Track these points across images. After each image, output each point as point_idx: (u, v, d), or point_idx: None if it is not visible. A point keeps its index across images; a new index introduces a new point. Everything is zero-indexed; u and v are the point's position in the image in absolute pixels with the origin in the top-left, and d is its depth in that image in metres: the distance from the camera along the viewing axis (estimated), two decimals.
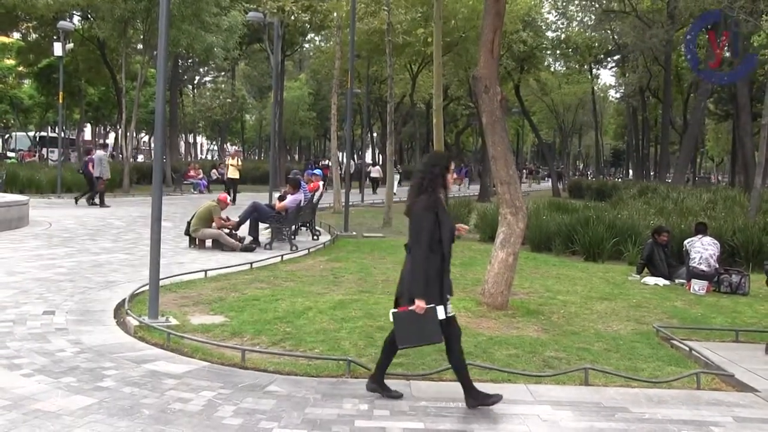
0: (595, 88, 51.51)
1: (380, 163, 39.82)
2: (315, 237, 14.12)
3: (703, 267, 9.84)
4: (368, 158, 52.97)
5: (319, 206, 15.66)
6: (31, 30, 35.94)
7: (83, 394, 4.72)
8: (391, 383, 5.17)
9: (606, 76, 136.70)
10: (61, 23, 24.26)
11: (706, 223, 11.47)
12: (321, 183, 15.57)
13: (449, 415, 4.61)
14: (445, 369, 5.39)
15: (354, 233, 15.43)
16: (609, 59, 46.78)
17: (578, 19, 38.31)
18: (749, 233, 12.55)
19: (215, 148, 70.09)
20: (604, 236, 12.82)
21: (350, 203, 16.81)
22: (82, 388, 4.83)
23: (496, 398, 4.67)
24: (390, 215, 17.75)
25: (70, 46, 30.67)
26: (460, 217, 15.80)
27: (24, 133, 51.79)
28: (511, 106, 38.66)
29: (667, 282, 10.30)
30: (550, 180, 46.42)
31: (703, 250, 10.00)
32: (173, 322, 6.66)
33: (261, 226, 13.03)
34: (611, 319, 7.64)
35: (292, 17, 22.40)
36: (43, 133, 51.53)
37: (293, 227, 13.25)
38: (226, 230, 12.18)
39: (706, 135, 55.55)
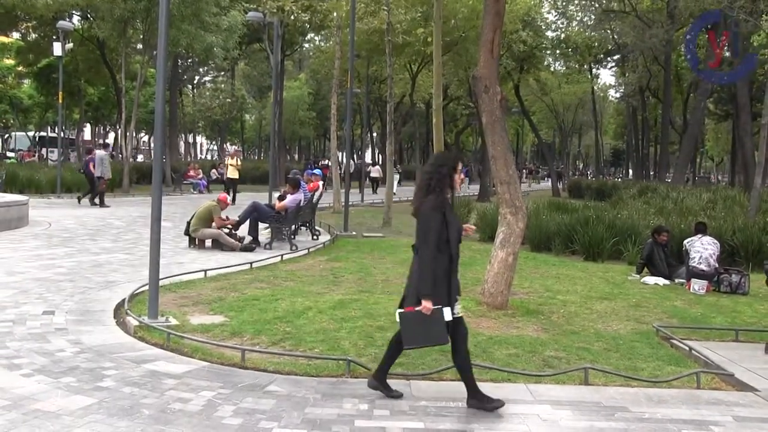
0: (595, 87, 51.53)
1: (380, 162, 39.81)
2: (315, 237, 14.12)
3: (702, 267, 9.84)
4: (368, 158, 53.00)
5: (318, 206, 15.67)
6: (30, 30, 35.94)
7: (83, 394, 4.72)
8: (391, 383, 5.17)
9: (606, 75, 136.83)
10: (61, 23, 24.26)
11: (706, 222, 11.47)
12: (321, 183, 15.58)
13: (449, 415, 4.61)
14: (445, 369, 5.40)
15: (354, 233, 15.43)
16: (609, 59, 46.80)
17: (578, 18, 38.32)
18: (749, 233, 12.55)
19: (215, 148, 70.12)
20: (603, 236, 12.82)
21: (350, 203, 16.81)
22: (82, 388, 4.83)
23: (497, 404, 4.66)
24: (390, 215, 17.75)
25: (69, 46, 30.66)
26: (460, 217, 15.76)
27: (23, 133, 51.81)
28: (510, 105, 38.66)
29: (666, 282, 10.30)
30: (549, 180, 46.43)
31: (702, 249, 10.00)
32: (173, 322, 6.66)
33: (261, 225, 13.03)
34: (611, 319, 7.64)
35: (292, 17, 22.40)
36: (43, 133, 51.56)
37: (293, 227, 13.25)
38: (226, 230, 12.18)
39: (706, 135, 55.57)
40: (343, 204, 16.70)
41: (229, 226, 12.34)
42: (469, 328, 6.59)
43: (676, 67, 37.90)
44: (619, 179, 58.43)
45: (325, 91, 43.14)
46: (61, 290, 8.00)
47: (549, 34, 39.03)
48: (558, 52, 42.16)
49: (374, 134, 59.06)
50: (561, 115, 51.96)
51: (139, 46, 29.29)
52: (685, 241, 10.51)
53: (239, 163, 23.98)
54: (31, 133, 52.25)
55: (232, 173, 23.13)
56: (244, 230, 12.74)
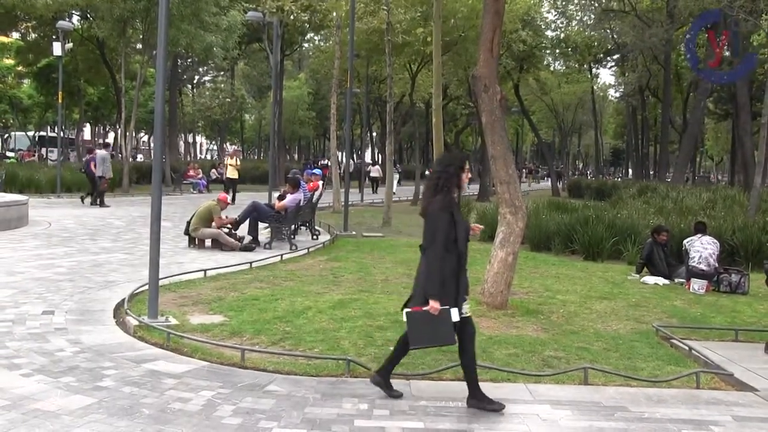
0: (595, 87, 51.53)
1: (380, 162, 39.81)
2: (314, 236, 14.11)
3: (702, 266, 9.84)
4: (368, 158, 53.00)
5: (318, 206, 15.67)
6: (30, 30, 35.95)
7: (83, 393, 4.72)
8: (391, 382, 5.17)
9: (605, 75, 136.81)
10: (60, 23, 24.27)
11: (706, 222, 11.47)
12: (320, 182, 15.57)
13: (449, 415, 4.61)
14: (444, 369, 5.40)
15: (353, 233, 15.42)
16: (608, 58, 46.81)
17: (578, 18, 38.36)
18: (749, 232, 12.55)
19: (215, 147, 70.10)
20: (603, 236, 12.82)
21: (350, 203, 16.81)
22: (82, 388, 4.83)
23: (497, 406, 4.66)
24: (389, 215, 17.75)
25: (69, 45, 30.61)
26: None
27: (23, 133, 51.79)
28: (510, 105, 38.67)
29: (666, 281, 10.30)
30: (549, 179, 46.43)
31: (702, 249, 10.00)
32: (173, 321, 6.66)
33: (260, 225, 13.02)
34: (611, 319, 7.64)
35: (292, 17, 22.40)
36: (43, 133, 51.54)
37: (293, 227, 13.25)
38: (226, 230, 12.18)
39: (706, 134, 55.57)
40: (343, 204, 16.70)
41: (229, 226, 12.33)
42: None
43: (676, 66, 37.90)
44: (619, 179, 58.48)
45: (325, 90, 43.12)
46: (61, 290, 8.00)
47: (549, 33, 39.09)
48: (558, 51, 42.19)
49: (374, 134, 59.06)
50: (561, 115, 51.97)
51: (139, 45, 29.30)
52: (684, 241, 10.51)
53: (238, 163, 24.00)
54: (30, 133, 52.24)
55: (232, 173, 23.15)
56: (243, 230, 12.73)
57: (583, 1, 35.69)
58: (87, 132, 60.96)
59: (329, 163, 29.90)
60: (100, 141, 49.95)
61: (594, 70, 50.30)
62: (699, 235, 10.30)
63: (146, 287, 7.17)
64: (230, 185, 22.67)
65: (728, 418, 4.75)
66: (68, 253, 10.85)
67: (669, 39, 29.86)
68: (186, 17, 24.32)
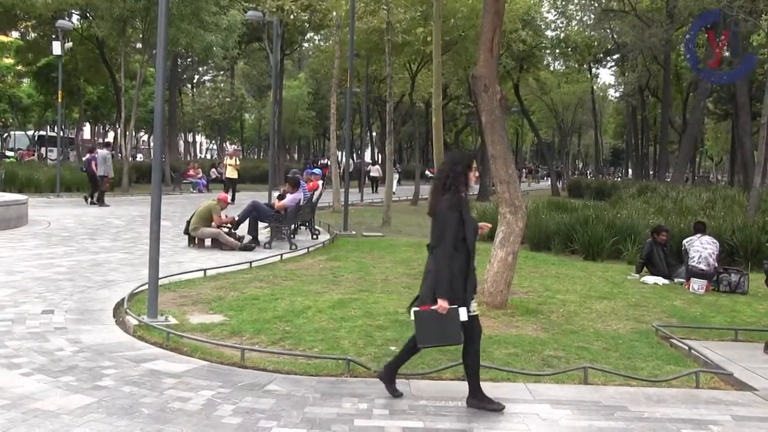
0: (595, 87, 51.53)
1: (380, 162, 39.82)
2: (314, 236, 14.11)
3: (702, 266, 9.84)
4: (367, 157, 52.98)
5: (318, 205, 15.66)
6: (29, 29, 35.95)
7: (82, 393, 4.72)
8: None
9: (605, 75, 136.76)
10: (60, 22, 24.25)
11: (705, 222, 11.48)
12: (320, 182, 15.57)
13: (448, 414, 4.61)
14: (444, 368, 5.40)
15: (353, 232, 15.42)
16: (608, 58, 46.83)
17: (577, 18, 38.37)
18: (748, 232, 12.56)
19: (214, 147, 70.09)
20: (603, 235, 12.83)
21: (349, 202, 16.81)
22: (81, 387, 4.83)
23: (497, 406, 4.65)
24: (389, 214, 17.75)
25: (69, 45, 30.60)
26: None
27: (23, 132, 51.78)
28: (510, 105, 38.67)
29: (666, 281, 10.30)
30: (549, 179, 46.43)
31: (702, 249, 10.00)
32: (172, 321, 6.66)
33: (260, 225, 13.02)
34: (610, 318, 7.64)
35: (292, 16, 22.39)
36: (42, 132, 51.54)
37: (292, 226, 13.25)
38: (225, 229, 12.18)
39: (706, 134, 55.59)
40: (343, 203, 16.70)
41: (229, 225, 12.33)
42: None
43: (676, 66, 37.92)
44: (619, 178, 58.51)
45: (325, 90, 43.12)
46: (61, 289, 8.00)
47: (548, 33, 39.10)
48: (557, 51, 42.19)
49: (374, 133, 59.06)
50: (560, 115, 51.97)
51: (139, 45, 29.29)
52: (684, 241, 10.51)
53: (238, 162, 23.97)
54: (30, 132, 52.23)
55: (231, 173, 23.12)
56: (243, 229, 12.73)
57: (583, 1, 35.70)
58: (87, 131, 60.96)
59: (329, 163, 29.90)
60: (100, 140, 49.96)
61: (594, 70, 50.32)
62: (698, 235, 10.30)
63: (146, 287, 7.17)
64: (230, 185, 22.65)
65: (728, 417, 4.76)
66: (68, 252, 10.85)
67: (669, 39, 29.87)
68: (186, 16, 24.32)
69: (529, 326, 7.05)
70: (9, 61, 43.24)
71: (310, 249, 12.40)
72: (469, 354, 4.71)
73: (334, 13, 22.40)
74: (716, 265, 9.97)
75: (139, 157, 54.14)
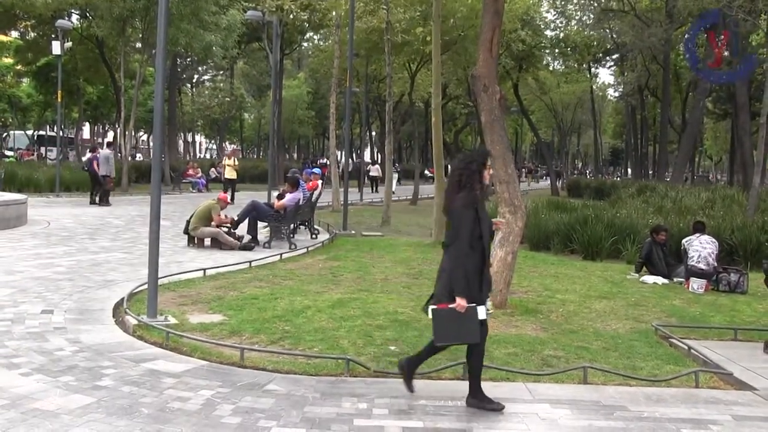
0: (594, 87, 51.55)
1: (379, 161, 39.82)
2: (314, 236, 14.11)
3: (701, 265, 9.84)
4: (367, 157, 52.98)
5: (317, 205, 15.66)
6: (29, 29, 35.90)
7: (82, 393, 4.72)
8: (390, 382, 5.17)
9: (605, 75, 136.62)
10: (60, 22, 24.23)
11: (705, 221, 11.49)
12: (319, 182, 15.58)
13: (448, 414, 4.61)
14: (444, 368, 5.40)
15: (353, 232, 15.42)
16: (608, 58, 46.85)
17: (577, 18, 38.38)
18: (748, 232, 12.57)
19: (214, 146, 70.08)
20: (602, 235, 12.83)
21: (349, 202, 16.81)
22: (81, 387, 4.83)
23: (497, 406, 4.65)
24: (389, 214, 17.75)
25: (68, 44, 30.61)
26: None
27: (22, 132, 51.77)
28: (509, 105, 38.67)
29: (665, 280, 10.31)
30: (548, 179, 46.44)
31: (701, 248, 10.00)
32: (172, 321, 6.65)
33: (260, 224, 13.02)
34: (610, 318, 7.64)
35: (291, 16, 22.38)
36: (42, 132, 51.51)
37: (292, 226, 13.25)
38: (225, 229, 12.18)
39: (705, 134, 55.60)
40: (342, 203, 16.70)
41: (228, 225, 12.33)
42: None
43: (675, 66, 37.93)
44: (618, 178, 58.52)
45: (324, 90, 43.10)
46: (60, 289, 8.00)
47: (548, 33, 39.13)
48: (557, 51, 42.21)
49: (373, 133, 59.04)
50: (560, 114, 51.99)
51: (138, 44, 29.30)
52: (683, 240, 10.52)
53: (237, 163, 23.93)
54: (29, 132, 52.21)
55: (230, 173, 23.07)
56: (243, 229, 12.73)
57: (583, 1, 35.70)
58: (86, 131, 60.95)
59: (328, 162, 29.90)
60: (100, 140, 49.95)
61: (593, 69, 50.35)
62: (698, 235, 10.31)
63: (145, 286, 7.17)
64: (229, 185, 22.62)
65: (727, 417, 4.76)
66: (67, 252, 10.84)
67: (668, 39, 29.87)
68: (185, 16, 24.31)
69: (528, 326, 7.05)
70: (8, 60, 43.18)
71: (310, 248, 12.40)
72: (474, 354, 4.71)
73: (334, 13, 22.40)
74: (715, 264, 9.97)
75: (139, 156, 54.09)
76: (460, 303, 4.45)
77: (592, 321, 7.46)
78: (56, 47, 24.24)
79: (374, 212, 20.73)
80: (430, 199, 19.10)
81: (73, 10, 30.58)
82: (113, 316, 6.91)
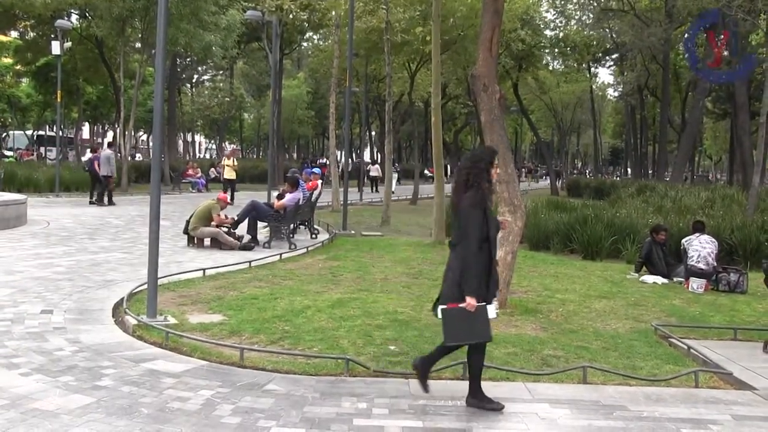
0: (594, 86, 51.57)
1: (379, 161, 39.83)
2: (313, 236, 14.11)
3: (701, 265, 9.84)
4: (366, 157, 52.99)
5: (317, 205, 15.66)
6: (29, 28, 35.90)
7: (81, 393, 4.72)
8: (390, 382, 5.18)
9: (604, 74, 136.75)
10: (59, 22, 24.22)
11: (704, 221, 11.49)
12: (319, 182, 15.58)
13: (448, 414, 4.61)
14: (444, 368, 5.39)
15: (352, 232, 15.42)
16: (607, 58, 46.86)
17: (576, 17, 38.40)
18: (747, 231, 12.57)
19: (214, 146, 70.08)
20: (602, 235, 12.83)
21: (348, 202, 16.81)
22: (81, 387, 4.82)
23: (497, 406, 4.65)
24: (388, 214, 17.75)
25: (68, 44, 30.61)
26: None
27: (22, 132, 51.76)
28: (509, 104, 38.68)
29: (665, 280, 10.31)
30: (548, 178, 46.45)
31: (701, 248, 10.01)
32: (172, 321, 6.65)
33: (259, 224, 13.02)
34: (609, 318, 7.64)
35: (291, 16, 22.38)
36: (41, 132, 51.51)
37: (292, 226, 13.25)
38: (225, 229, 12.18)
39: (705, 133, 55.61)
40: (342, 203, 16.70)
41: (228, 225, 12.33)
42: None
43: (675, 65, 37.93)
44: (618, 178, 58.52)
45: (324, 89, 43.11)
46: (60, 289, 7.99)
47: (547, 32, 39.14)
48: (556, 50, 42.22)
49: (373, 133, 59.04)
50: (559, 114, 52.00)
51: (138, 44, 29.25)
52: (683, 240, 10.52)
53: (236, 163, 23.88)
54: (29, 132, 52.20)
55: (229, 174, 23.02)
56: (242, 229, 12.73)
57: (582, 1, 35.71)
58: (86, 131, 60.93)
59: (328, 162, 29.90)
60: (100, 140, 49.93)
61: (593, 69, 50.36)
62: (697, 234, 10.31)
63: (145, 286, 7.17)
64: (228, 185, 22.59)
65: (727, 417, 4.76)
66: (67, 252, 10.84)
67: (668, 38, 29.87)
68: (185, 16, 24.30)
69: (528, 325, 7.05)
70: (8, 60, 43.16)
71: (309, 248, 12.40)
72: (474, 354, 4.71)
73: (333, 13, 22.40)
74: (715, 264, 9.98)
75: (138, 156, 54.10)
76: (471, 302, 4.44)
77: (592, 321, 7.46)
78: (56, 47, 24.23)
79: (374, 212, 20.73)
80: (430, 199, 19.09)
81: (72, 10, 30.57)
82: (113, 316, 6.91)
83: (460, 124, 52.53)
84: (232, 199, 20.18)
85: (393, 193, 22.43)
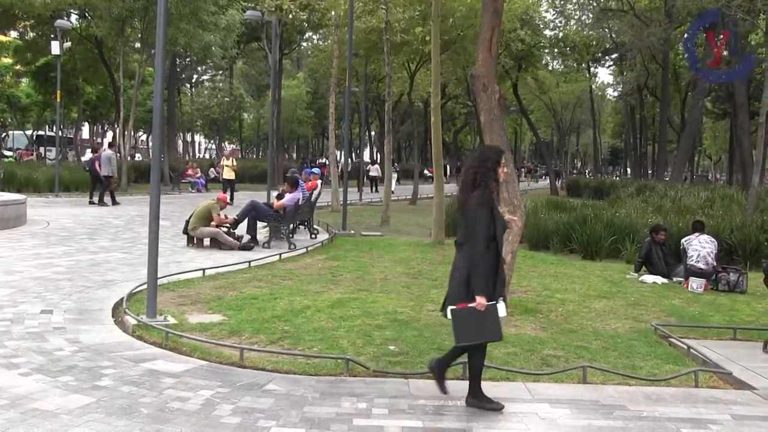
0: (593, 86, 51.58)
1: (378, 161, 39.83)
2: (313, 236, 14.11)
3: (700, 265, 9.85)
4: (366, 157, 52.99)
5: (317, 205, 15.66)
6: (28, 29, 35.89)
7: (81, 393, 4.72)
8: (390, 382, 5.18)
9: (604, 74, 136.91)
10: (59, 22, 24.22)
11: (704, 221, 11.49)
12: (319, 182, 15.58)
13: (448, 414, 4.61)
14: None
15: (352, 232, 15.42)
16: (607, 58, 46.84)
17: (576, 17, 38.39)
18: (747, 231, 12.57)
19: (213, 147, 70.08)
20: (602, 234, 12.83)
21: (348, 202, 16.80)
22: (80, 387, 4.82)
23: (497, 406, 4.65)
24: (388, 214, 17.75)
25: (67, 44, 30.58)
26: (457, 216, 15.84)
27: (21, 132, 51.76)
28: (509, 104, 38.69)
29: (665, 280, 10.31)
30: (548, 178, 46.46)
31: (700, 248, 10.01)
32: (171, 321, 6.65)
33: (259, 224, 13.02)
34: (609, 318, 7.65)
35: (290, 16, 22.41)
36: (41, 132, 51.51)
37: (291, 226, 13.25)
38: (224, 228, 12.18)
39: (704, 133, 55.63)
40: (342, 203, 16.70)
41: (228, 225, 12.33)
42: None
43: (674, 65, 37.94)
44: (617, 178, 58.53)
45: (324, 89, 43.12)
46: (60, 289, 7.99)
47: (547, 32, 39.15)
48: (556, 50, 42.23)
49: (372, 133, 59.06)
50: (559, 114, 52.03)
51: (138, 44, 29.26)
52: (682, 240, 10.53)
53: (235, 163, 23.84)
54: (29, 132, 52.20)
55: (228, 174, 22.96)
56: (242, 229, 12.73)
57: (582, 1, 35.70)
58: (85, 131, 60.93)
59: (327, 162, 29.90)
60: (100, 140, 49.93)
61: (592, 69, 50.36)
62: (697, 234, 10.32)
63: (145, 286, 7.16)
64: (227, 186, 22.56)
65: (727, 416, 4.76)
66: (67, 252, 10.84)
67: (667, 38, 29.86)
68: (184, 16, 24.30)
69: (528, 325, 7.05)
70: (8, 60, 43.16)
71: (309, 248, 12.40)
72: (475, 354, 4.71)
73: (333, 13, 22.41)
74: (715, 264, 9.98)
75: (138, 156, 54.11)
76: (480, 302, 4.44)
77: (592, 320, 7.46)
78: (55, 47, 24.23)
79: (373, 212, 20.73)
80: (430, 199, 19.09)
81: (72, 10, 30.56)
82: (112, 316, 6.91)
83: (460, 124, 52.55)
84: (231, 199, 20.17)
85: (392, 193, 22.44)
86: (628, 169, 59.06)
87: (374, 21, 19.80)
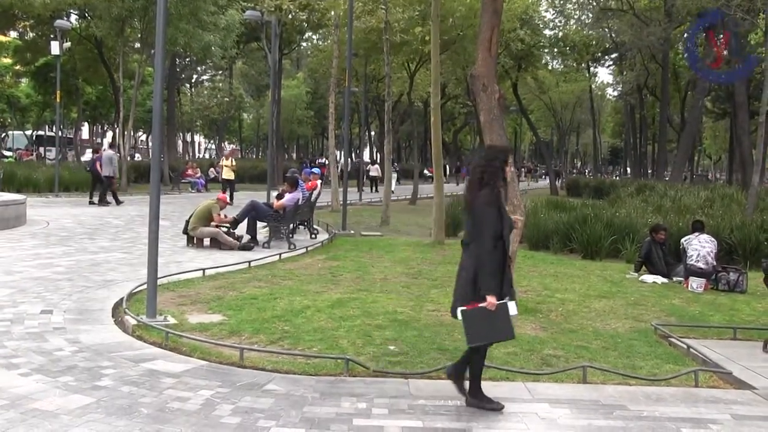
0: (593, 86, 51.62)
1: (378, 161, 39.83)
2: (313, 236, 14.11)
3: (700, 265, 9.85)
4: (366, 157, 52.99)
5: (317, 205, 15.66)
6: (28, 29, 35.89)
7: (81, 393, 4.71)
8: (389, 382, 5.18)
9: (603, 74, 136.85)
10: (58, 22, 24.21)
11: (704, 220, 11.49)
12: (318, 182, 15.58)
13: (447, 413, 4.61)
14: (443, 367, 5.39)
15: (352, 232, 15.42)
16: (606, 57, 46.87)
17: (576, 17, 38.41)
18: (747, 231, 12.57)
19: (213, 147, 70.09)
20: (601, 234, 12.83)
21: (348, 202, 16.80)
22: (80, 388, 4.82)
23: (497, 406, 4.65)
24: (388, 214, 17.75)
25: (67, 44, 30.62)
26: (457, 216, 15.78)
27: (21, 132, 51.76)
28: (508, 104, 38.69)
29: (665, 280, 10.31)
30: (547, 178, 46.46)
31: (700, 247, 10.01)
32: (171, 321, 6.65)
33: (259, 224, 13.01)
34: (609, 317, 7.65)
35: (290, 16, 22.44)
36: (41, 132, 51.51)
37: (291, 226, 13.25)
38: (224, 228, 12.17)
39: (704, 133, 55.63)
40: (342, 203, 16.70)
41: (228, 225, 12.33)
42: None
43: (674, 65, 37.93)
44: (617, 177, 58.54)
45: (323, 89, 43.11)
46: (59, 289, 7.99)
47: (547, 32, 39.17)
48: (556, 50, 42.24)
49: (372, 133, 59.06)
50: (559, 114, 52.05)
51: (137, 44, 29.27)
52: (682, 240, 10.52)
53: (234, 163, 23.82)
54: (28, 132, 52.20)
55: (228, 174, 22.94)
56: (242, 229, 12.73)
57: (581, 0, 35.71)
58: (85, 131, 60.93)
59: (327, 162, 29.91)
60: (100, 140, 49.92)
61: (592, 68, 50.39)
62: (697, 234, 10.32)
63: (145, 286, 7.16)
64: (227, 186, 22.54)
65: (727, 416, 4.76)
66: (67, 252, 10.84)
67: (667, 38, 29.88)
68: (184, 16, 24.29)
69: (527, 325, 7.04)
70: (7, 60, 43.16)
71: (309, 248, 12.39)
72: (477, 353, 4.69)
73: (333, 13, 22.40)
74: (715, 263, 9.98)
75: (138, 156, 54.09)
76: (491, 301, 4.42)
77: (592, 320, 7.46)
78: (55, 47, 24.21)
79: (373, 212, 20.73)
80: (430, 199, 19.09)
81: (71, 10, 30.56)
82: (112, 316, 6.91)
83: (460, 124, 52.58)
84: (231, 199, 20.16)
85: (392, 193, 22.44)
86: (628, 169, 59.09)
87: (374, 21, 19.80)
